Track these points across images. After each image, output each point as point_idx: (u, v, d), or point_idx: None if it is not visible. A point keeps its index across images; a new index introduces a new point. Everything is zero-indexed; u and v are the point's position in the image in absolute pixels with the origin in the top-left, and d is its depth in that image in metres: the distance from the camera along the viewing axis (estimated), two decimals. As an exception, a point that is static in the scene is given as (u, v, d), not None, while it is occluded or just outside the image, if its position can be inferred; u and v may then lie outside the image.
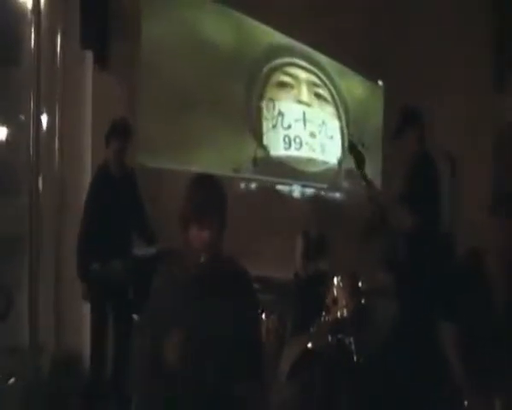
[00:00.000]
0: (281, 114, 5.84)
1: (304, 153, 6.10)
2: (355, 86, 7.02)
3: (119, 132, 3.68)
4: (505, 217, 2.61)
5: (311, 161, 6.18)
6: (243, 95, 5.44)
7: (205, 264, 1.91)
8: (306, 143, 6.12)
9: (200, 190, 1.94)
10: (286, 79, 6.00)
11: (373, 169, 6.49)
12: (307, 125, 6.16)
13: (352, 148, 3.36)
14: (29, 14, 3.88)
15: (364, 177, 3.27)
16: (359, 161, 3.28)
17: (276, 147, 5.78)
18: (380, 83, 7.19)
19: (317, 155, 6.29)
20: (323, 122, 6.42)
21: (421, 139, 3.40)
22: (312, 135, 6.21)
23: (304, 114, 6.14)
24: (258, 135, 5.57)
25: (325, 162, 6.38)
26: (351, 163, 3.39)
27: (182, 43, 4.81)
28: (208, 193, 1.92)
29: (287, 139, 5.89)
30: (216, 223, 1.89)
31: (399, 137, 3.44)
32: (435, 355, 3.25)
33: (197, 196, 1.91)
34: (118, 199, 3.67)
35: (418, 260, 3.24)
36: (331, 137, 6.52)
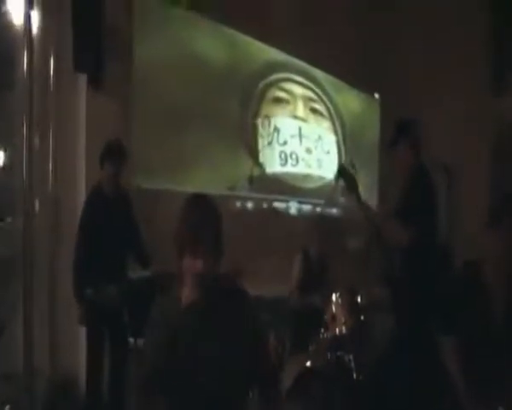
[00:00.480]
0: (276, 129, 5.82)
1: (300, 169, 6.08)
2: (351, 100, 7.03)
3: (114, 154, 3.66)
4: (503, 227, 2.60)
5: (307, 176, 6.15)
6: (238, 112, 5.42)
7: (199, 290, 1.87)
8: (303, 159, 6.10)
9: (194, 210, 1.91)
10: (281, 94, 5.99)
11: (369, 182, 6.50)
12: (303, 141, 6.15)
13: (343, 172, 3.31)
14: (21, 37, 3.89)
15: (358, 199, 3.23)
16: (351, 185, 3.23)
17: (272, 164, 5.75)
18: (376, 96, 7.21)
19: (314, 171, 6.26)
20: (320, 137, 6.41)
21: (416, 152, 3.39)
22: (308, 150, 6.20)
23: (300, 129, 6.12)
24: (253, 153, 5.55)
25: (322, 178, 6.34)
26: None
27: (176, 62, 4.79)
28: (203, 213, 1.89)
29: (283, 155, 5.87)
30: (211, 249, 1.85)
31: (394, 149, 3.43)
32: (435, 369, 3.21)
33: (192, 217, 1.88)
34: (112, 220, 3.66)
35: (416, 274, 3.21)
36: (328, 152, 6.51)
